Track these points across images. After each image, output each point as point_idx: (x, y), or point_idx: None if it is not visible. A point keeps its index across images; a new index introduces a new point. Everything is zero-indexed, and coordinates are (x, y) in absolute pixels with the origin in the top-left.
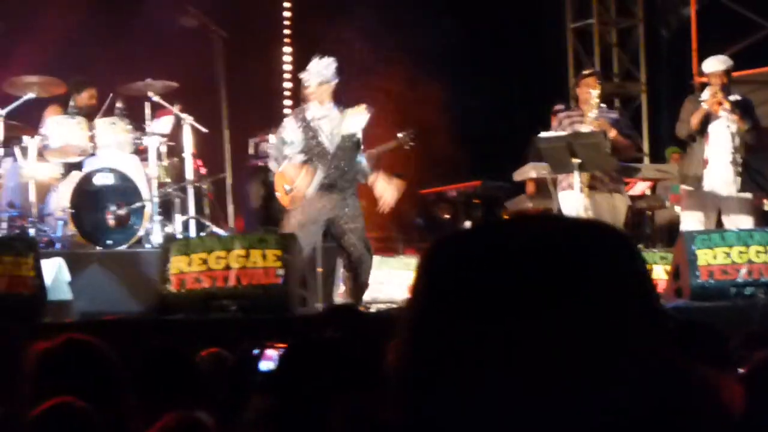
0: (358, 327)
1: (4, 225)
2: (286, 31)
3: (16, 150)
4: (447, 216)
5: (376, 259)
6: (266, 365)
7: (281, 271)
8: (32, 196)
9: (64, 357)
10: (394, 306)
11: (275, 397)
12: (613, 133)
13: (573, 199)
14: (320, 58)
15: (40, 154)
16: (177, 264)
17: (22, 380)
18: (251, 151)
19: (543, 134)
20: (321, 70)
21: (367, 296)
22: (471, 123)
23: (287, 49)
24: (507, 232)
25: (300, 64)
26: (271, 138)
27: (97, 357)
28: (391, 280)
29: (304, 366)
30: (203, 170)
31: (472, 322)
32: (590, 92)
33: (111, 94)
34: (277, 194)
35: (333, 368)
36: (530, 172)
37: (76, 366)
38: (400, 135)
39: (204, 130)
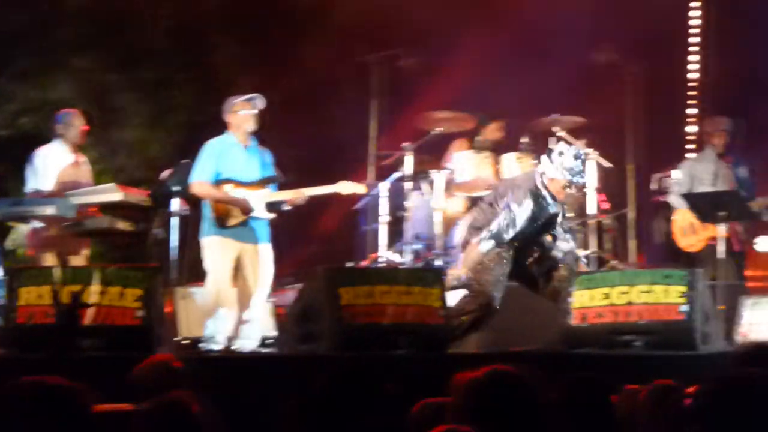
0: None
1: (410, 256)
2: (692, 66)
3: (423, 184)
4: None
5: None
6: None
7: (685, 308)
8: (438, 229)
9: (490, 387)
10: None
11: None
12: None
13: None
14: None
15: (447, 188)
16: (580, 298)
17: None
18: (654, 186)
19: None
20: None
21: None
22: None
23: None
24: None
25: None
26: (674, 174)
27: (524, 389)
28: None
29: (734, 401)
30: (606, 205)
31: None
32: None
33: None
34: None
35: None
36: None
37: (503, 396)
38: None
39: (608, 165)
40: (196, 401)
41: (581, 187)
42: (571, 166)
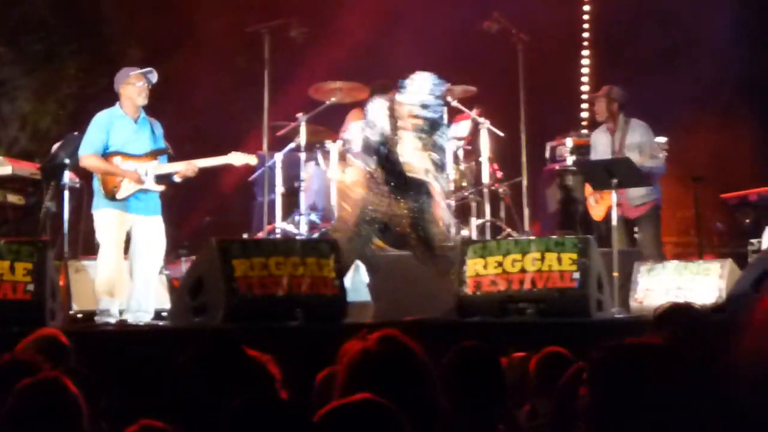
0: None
1: (306, 227)
2: (585, 35)
3: (319, 154)
4: (748, 221)
5: (675, 264)
6: None
7: (577, 275)
8: (334, 200)
9: (380, 355)
10: None
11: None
12: None
13: None
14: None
15: (342, 158)
16: (473, 266)
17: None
18: (548, 155)
19: None
20: None
21: (663, 301)
22: None
23: (585, 52)
24: None
25: (599, 68)
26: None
27: (412, 356)
28: (690, 285)
29: (626, 365)
30: (500, 174)
31: None
32: None
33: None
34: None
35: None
36: None
37: (393, 364)
38: None
39: (501, 134)
40: (71, 380)
41: (427, 121)
42: (422, 99)
